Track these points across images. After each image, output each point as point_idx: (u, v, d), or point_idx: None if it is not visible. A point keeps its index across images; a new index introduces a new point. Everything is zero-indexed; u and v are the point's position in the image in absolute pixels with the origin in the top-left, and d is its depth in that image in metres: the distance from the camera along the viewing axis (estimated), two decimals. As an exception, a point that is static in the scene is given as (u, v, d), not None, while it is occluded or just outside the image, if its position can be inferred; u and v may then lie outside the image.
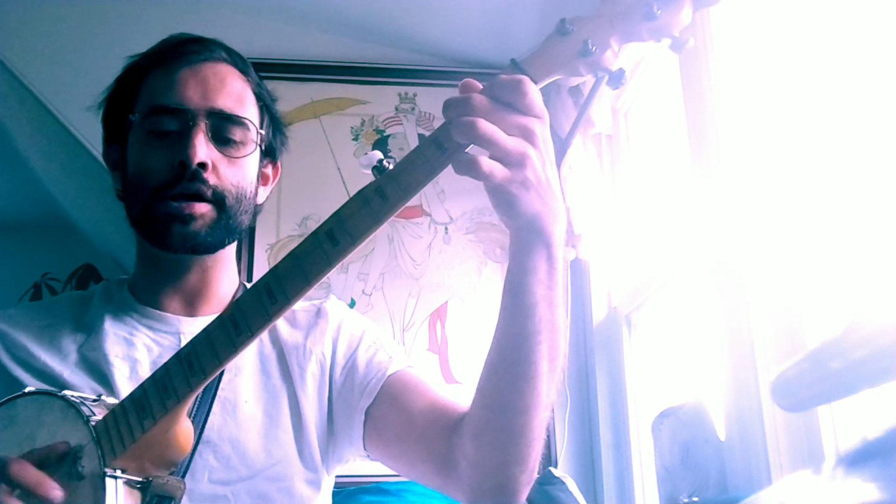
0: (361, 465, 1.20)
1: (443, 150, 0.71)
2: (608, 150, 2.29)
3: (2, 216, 3.50)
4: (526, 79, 0.71)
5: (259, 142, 1.03)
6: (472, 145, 0.70)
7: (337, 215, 0.73)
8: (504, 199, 0.71)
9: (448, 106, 0.71)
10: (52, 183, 2.62)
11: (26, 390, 0.84)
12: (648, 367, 2.04)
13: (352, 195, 0.74)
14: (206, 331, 0.77)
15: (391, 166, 0.73)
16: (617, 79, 0.75)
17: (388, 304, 2.27)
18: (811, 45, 1.36)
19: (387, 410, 0.97)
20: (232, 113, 0.99)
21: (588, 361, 2.24)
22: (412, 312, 2.27)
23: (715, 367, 1.48)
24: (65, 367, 0.96)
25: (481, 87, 0.72)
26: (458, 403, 0.92)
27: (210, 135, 0.97)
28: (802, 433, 1.24)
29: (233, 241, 1.03)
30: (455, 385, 2.19)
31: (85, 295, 1.08)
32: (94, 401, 0.82)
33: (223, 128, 0.98)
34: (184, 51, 1.01)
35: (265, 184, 1.10)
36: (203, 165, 0.95)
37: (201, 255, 1.00)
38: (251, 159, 1.02)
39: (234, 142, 0.99)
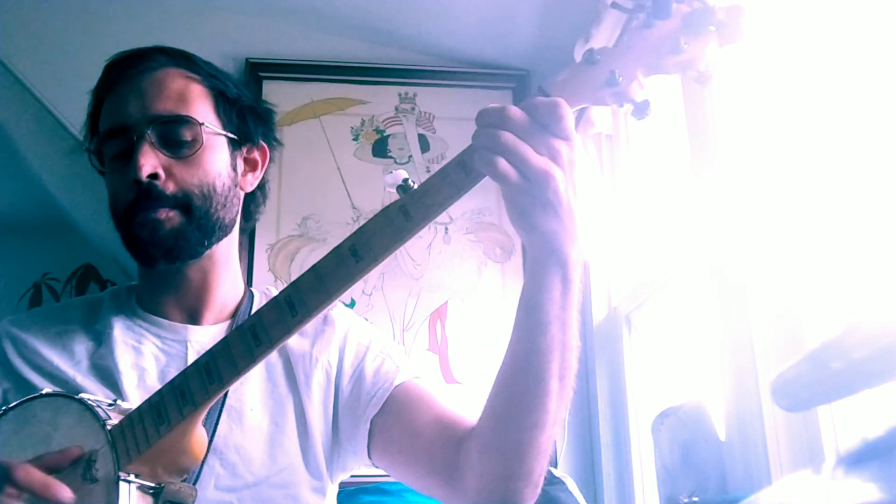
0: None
1: (468, 172, 0.72)
2: (608, 150, 2.29)
3: (2, 216, 3.49)
4: (563, 101, 0.71)
5: (220, 131, 1.02)
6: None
7: (360, 232, 0.74)
8: (519, 212, 0.72)
9: (482, 114, 0.71)
10: (52, 183, 2.61)
11: (43, 391, 0.84)
12: (648, 367, 2.04)
13: (376, 212, 0.75)
14: (225, 340, 0.78)
15: (416, 186, 0.74)
16: (642, 110, 0.76)
17: (388, 304, 2.27)
18: (811, 46, 1.36)
19: (392, 421, 0.97)
20: (173, 114, 0.97)
21: (588, 361, 2.24)
22: (412, 312, 2.27)
23: (715, 367, 1.48)
24: (77, 372, 0.97)
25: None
26: (464, 417, 0.93)
27: (158, 142, 0.96)
28: (802, 433, 1.24)
29: (217, 241, 1.02)
30: (455, 385, 2.19)
31: (95, 300, 1.08)
32: (110, 405, 0.82)
33: (170, 131, 0.97)
34: (122, 69, 1.01)
35: (253, 169, 1.08)
36: (154, 176, 0.95)
37: (185, 261, 1.00)
38: (212, 153, 1.00)
39: (186, 142, 0.98)
